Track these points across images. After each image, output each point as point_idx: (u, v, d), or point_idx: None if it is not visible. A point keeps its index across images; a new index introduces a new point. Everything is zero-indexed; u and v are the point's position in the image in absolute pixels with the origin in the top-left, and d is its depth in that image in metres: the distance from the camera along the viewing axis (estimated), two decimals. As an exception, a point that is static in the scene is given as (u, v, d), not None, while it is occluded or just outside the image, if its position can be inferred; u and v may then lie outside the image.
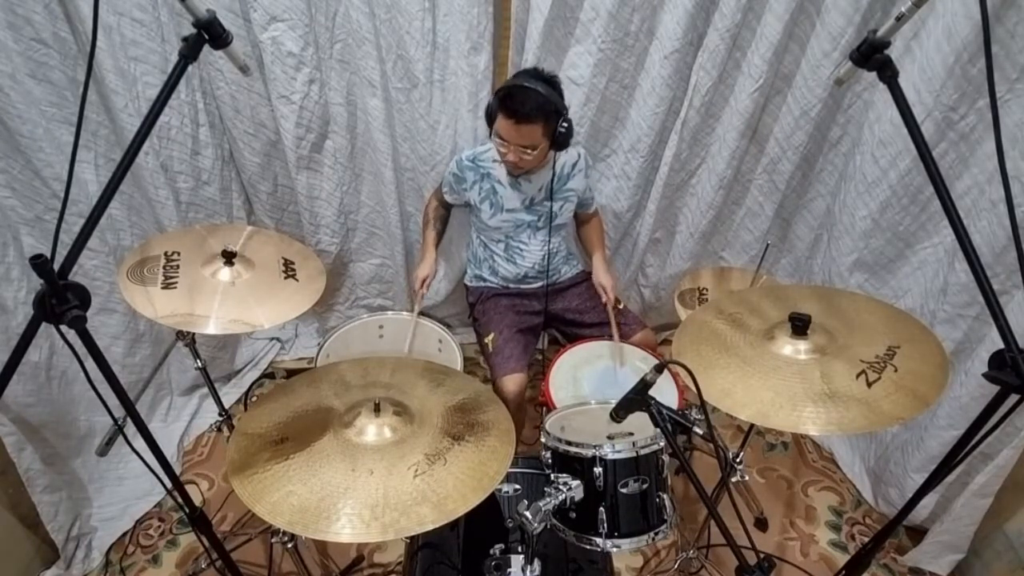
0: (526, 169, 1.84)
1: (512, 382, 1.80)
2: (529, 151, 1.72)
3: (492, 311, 2.00)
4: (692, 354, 1.32)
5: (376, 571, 1.88)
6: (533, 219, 1.94)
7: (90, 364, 0.93)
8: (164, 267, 1.48)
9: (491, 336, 1.93)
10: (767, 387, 1.20)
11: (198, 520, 1.21)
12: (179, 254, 1.52)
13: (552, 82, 1.72)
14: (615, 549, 1.30)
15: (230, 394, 2.41)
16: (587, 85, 1.99)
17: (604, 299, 1.94)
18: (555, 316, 2.07)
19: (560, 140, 1.74)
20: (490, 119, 1.76)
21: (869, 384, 1.17)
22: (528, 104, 1.65)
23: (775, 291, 1.55)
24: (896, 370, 1.19)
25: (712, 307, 1.51)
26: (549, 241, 1.97)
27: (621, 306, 2.04)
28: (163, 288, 1.43)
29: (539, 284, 2.05)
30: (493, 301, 2.03)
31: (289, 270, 1.61)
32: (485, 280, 2.07)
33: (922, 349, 1.24)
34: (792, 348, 1.27)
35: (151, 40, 1.78)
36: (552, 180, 1.88)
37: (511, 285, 2.05)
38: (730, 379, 1.23)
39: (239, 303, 1.46)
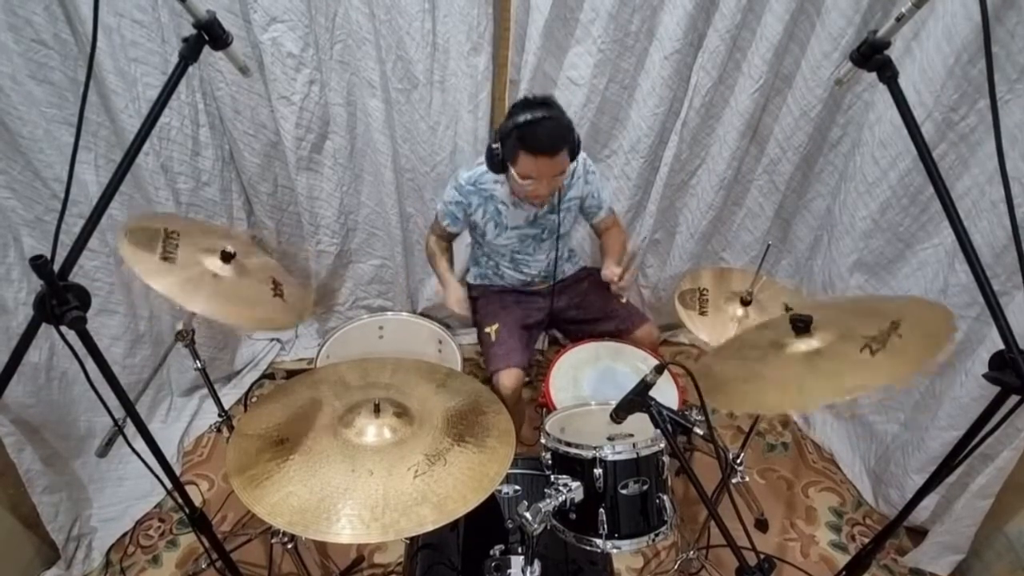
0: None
1: (508, 376, 1.79)
2: (560, 175, 1.70)
3: (496, 304, 2.00)
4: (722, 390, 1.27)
5: (376, 572, 1.88)
6: (537, 232, 1.92)
7: (90, 365, 0.93)
8: (163, 241, 1.46)
9: (494, 326, 1.91)
10: (783, 381, 1.19)
11: (198, 520, 1.21)
12: (178, 234, 1.51)
13: (549, 102, 1.67)
14: (615, 550, 1.31)
15: (230, 395, 2.41)
16: (587, 86, 1.99)
17: (613, 281, 1.80)
18: (557, 313, 2.07)
19: (577, 151, 1.71)
20: (500, 165, 1.67)
21: (873, 354, 1.15)
22: (554, 134, 1.61)
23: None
24: (901, 337, 1.17)
25: (720, 356, 1.46)
26: (556, 250, 1.95)
27: (624, 300, 2.04)
28: (161, 259, 1.41)
29: (544, 286, 2.04)
30: (498, 296, 2.02)
31: (277, 290, 1.61)
32: (489, 279, 2.06)
33: (926, 314, 1.21)
34: (804, 346, 1.25)
35: (151, 41, 1.78)
36: (557, 194, 1.83)
37: (516, 286, 2.04)
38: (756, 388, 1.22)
39: (227, 300, 1.45)
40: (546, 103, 1.65)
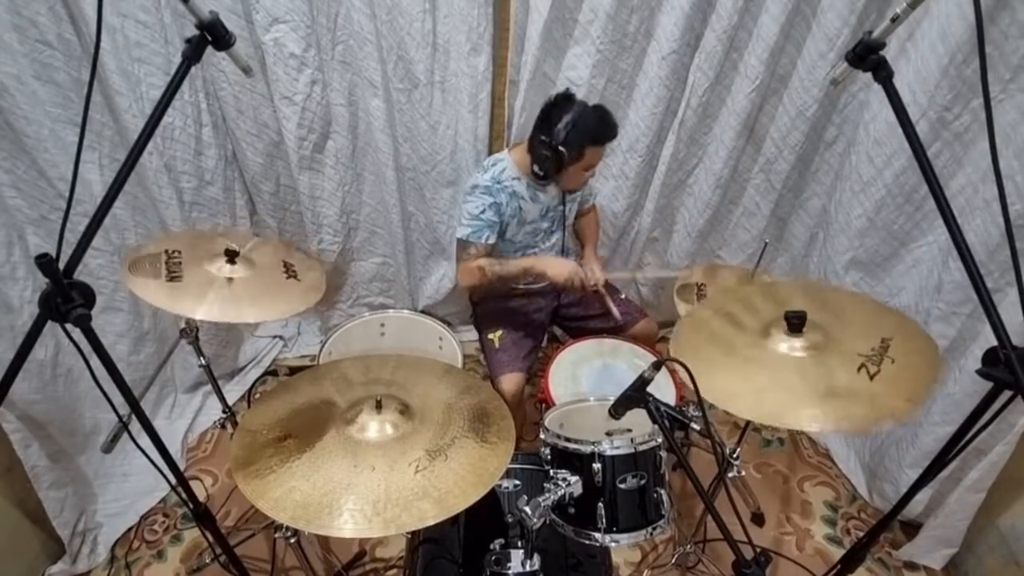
0: None
1: (509, 382, 1.82)
2: None
3: (500, 310, 2.01)
4: (691, 355, 1.33)
5: (378, 566, 1.90)
6: (548, 224, 1.95)
7: (95, 362, 0.94)
8: (166, 263, 1.49)
9: (498, 333, 1.93)
10: (772, 387, 1.21)
11: (202, 516, 1.23)
12: (179, 252, 1.53)
13: (573, 96, 1.74)
14: (613, 544, 1.32)
15: (233, 391, 2.43)
16: (586, 86, 2.00)
17: (592, 282, 1.85)
18: (558, 310, 2.09)
19: None
20: (560, 162, 1.70)
21: (871, 377, 1.18)
22: (615, 121, 1.73)
23: (766, 288, 1.57)
24: (893, 361, 1.21)
25: (709, 304, 1.52)
26: (564, 240, 1.98)
27: (623, 296, 2.06)
28: (168, 281, 1.45)
29: (547, 283, 2.05)
30: (501, 301, 2.03)
31: (290, 272, 1.63)
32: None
33: (914, 343, 1.25)
34: (788, 345, 1.28)
35: (155, 42, 1.79)
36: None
37: (520, 286, 2.04)
38: (734, 380, 1.24)
39: (237, 301, 1.48)
40: (572, 97, 1.73)
